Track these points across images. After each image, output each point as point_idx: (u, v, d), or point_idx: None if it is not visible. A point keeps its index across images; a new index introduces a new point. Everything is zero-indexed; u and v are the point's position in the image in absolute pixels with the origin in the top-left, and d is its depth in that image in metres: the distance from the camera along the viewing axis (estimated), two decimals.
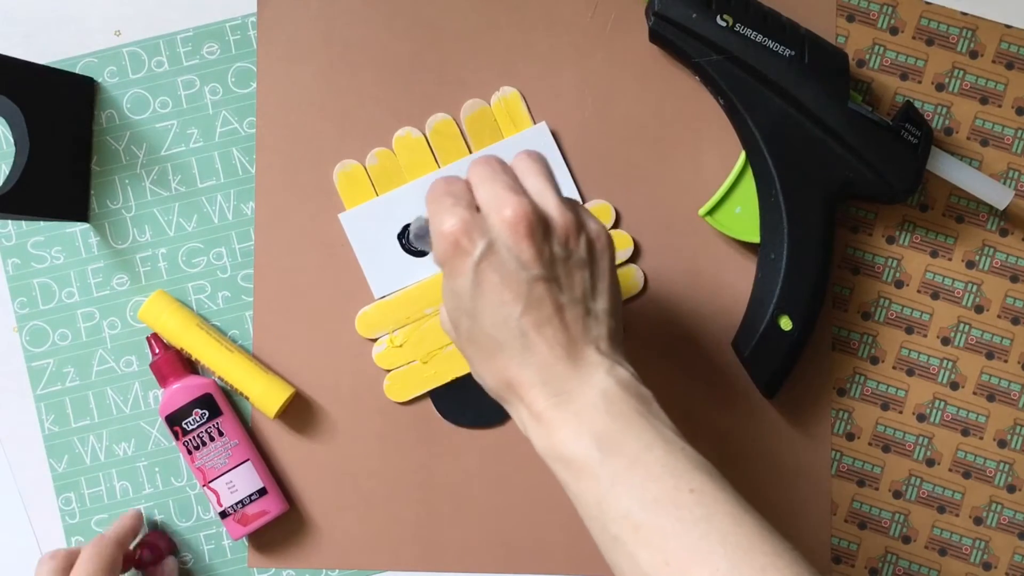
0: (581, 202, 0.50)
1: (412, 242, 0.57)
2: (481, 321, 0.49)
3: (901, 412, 0.65)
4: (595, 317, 0.50)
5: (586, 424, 0.47)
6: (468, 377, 0.65)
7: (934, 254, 0.65)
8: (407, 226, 0.65)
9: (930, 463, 0.65)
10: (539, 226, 0.48)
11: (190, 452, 0.64)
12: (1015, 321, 0.65)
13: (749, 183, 0.63)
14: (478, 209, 0.49)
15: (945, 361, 0.65)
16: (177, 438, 0.64)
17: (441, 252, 0.49)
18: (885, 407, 0.65)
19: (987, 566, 0.65)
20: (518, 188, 0.49)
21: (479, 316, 0.49)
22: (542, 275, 0.48)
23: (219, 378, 0.65)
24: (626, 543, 0.45)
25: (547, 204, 0.49)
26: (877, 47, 0.65)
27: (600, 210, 0.65)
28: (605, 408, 0.47)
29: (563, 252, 0.49)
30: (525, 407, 0.49)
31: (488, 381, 0.51)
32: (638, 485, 0.46)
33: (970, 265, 0.65)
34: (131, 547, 0.64)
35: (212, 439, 0.64)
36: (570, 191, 0.65)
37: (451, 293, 0.50)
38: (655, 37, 0.63)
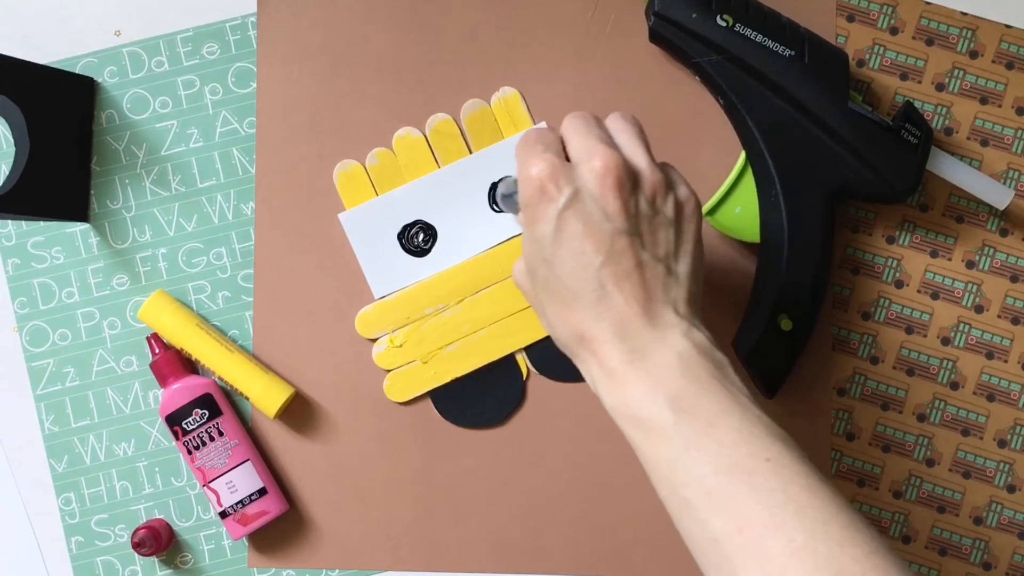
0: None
1: (498, 202, 0.56)
2: (559, 270, 0.48)
3: (901, 412, 0.65)
4: (675, 278, 0.49)
5: (660, 384, 0.46)
6: (468, 377, 0.65)
7: (934, 254, 0.65)
8: (407, 227, 0.66)
9: (930, 463, 0.65)
10: (627, 180, 0.48)
11: (190, 452, 0.64)
12: (1015, 321, 0.65)
13: (749, 183, 0.63)
14: (568, 160, 0.49)
15: (945, 361, 0.65)
16: (177, 438, 0.64)
17: (526, 196, 0.49)
18: (885, 407, 0.65)
19: (987, 566, 0.65)
20: (610, 142, 0.49)
21: (557, 264, 0.48)
22: (626, 228, 0.47)
23: (219, 378, 0.65)
24: (697, 508, 0.45)
25: (638, 160, 0.49)
26: (877, 47, 0.65)
27: None
28: (681, 370, 0.47)
29: (649, 209, 0.49)
30: (597, 362, 0.48)
31: (560, 332, 0.50)
32: (713, 450, 0.45)
33: (970, 265, 0.65)
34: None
35: (212, 439, 0.64)
36: None
37: (531, 239, 0.49)
38: (655, 37, 0.63)
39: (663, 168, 0.50)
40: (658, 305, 0.48)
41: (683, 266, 0.50)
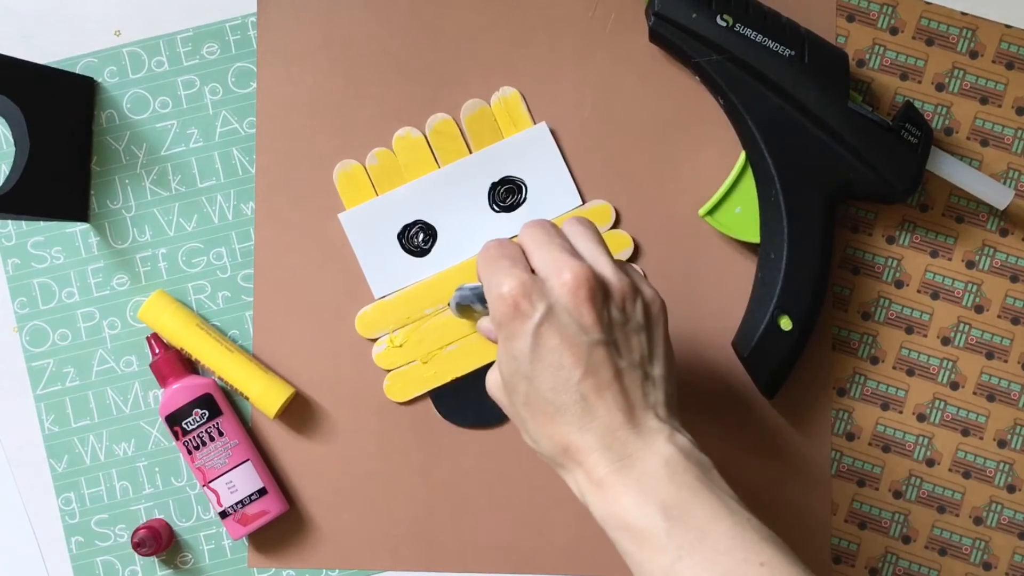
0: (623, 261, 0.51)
1: (453, 311, 0.58)
2: (539, 384, 0.48)
3: (901, 412, 0.65)
4: (653, 382, 0.50)
5: (650, 492, 0.47)
6: (468, 377, 0.65)
7: (934, 254, 0.65)
8: (407, 227, 0.66)
9: (930, 463, 0.65)
10: (599, 290, 0.48)
11: (190, 452, 0.64)
12: (1015, 321, 0.65)
13: (749, 183, 0.63)
14: (533, 272, 0.49)
15: (945, 361, 0.65)
16: (177, 438, 0.64)
17: (500, 315, 0.48)
18: (885, 407, 0.65)
19: (987, 566, 0.65)
20: (574, 252, 0.50)
21: (536, 380, 0.48)
22: (602, 339, 0.48)
23: (219, 378, 0.65)
24: None
25: (603, 268, 0.49)
26: (877, 47, 0.65)
27: (600, 210, 0.65)
28: (668, 476, 0.47)
29: (621, 316, 0.49)
30: (584, 473, 0.48)
31: (544, 446, 0.50)
32: (708, 558, 0.45)
33: (970, 265, 0.65)
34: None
35: (212, 439, 0.64)
36: (570, 191, 0.65)
37: (508, 356, 0.49)
38: (655, 37, 0.63)
39: (627, 271, 0.51)
40: (639, 411, 0.48)
41: (658, 369, 0.50)
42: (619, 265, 0.50)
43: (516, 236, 0.53)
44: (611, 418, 0.48)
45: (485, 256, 0.51)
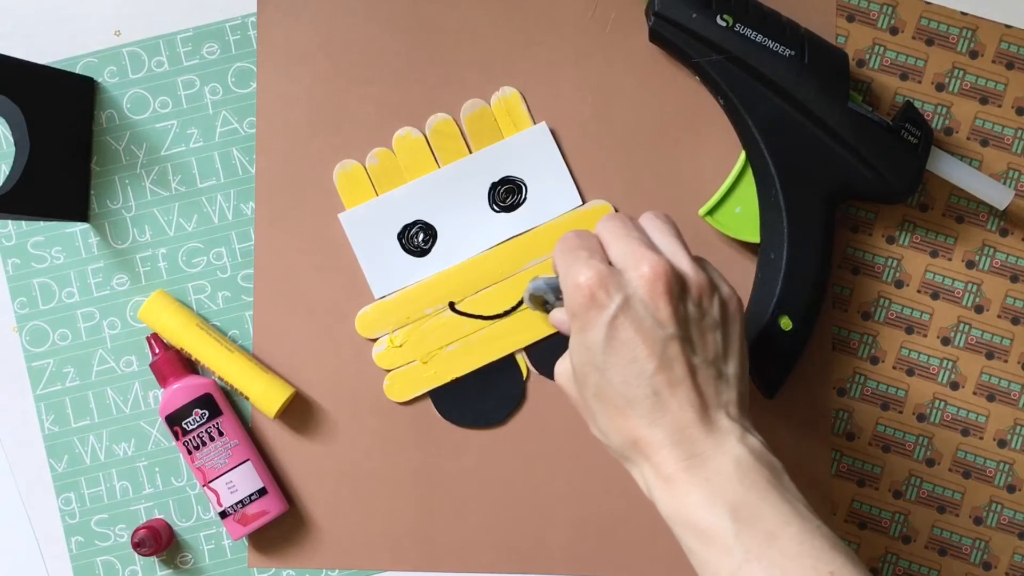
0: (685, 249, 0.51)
1: (526, 302, 0.57)
2: (611, 376, 0.48)
3: (901, 412, 0.65)
4: (726, 380, 0.49)
5: (719, 492, 0.46)
6: (468, 377, 0.65)
7: (934, 254, 0.65)
8: (407, 227, 0.66)
9: (930, 463, 0.65)
10: (676, 284, 0.48)
11: (190, 452, 0.64)
12: (1015, 321, 0.65)
13: (749, 183, 0.63)
14: (611, 264, 0.49)
15: (945, 361, 0.65)
16: (177, 438, 0.64)
17: (575, 304, 0.48)
18: (885, 407, 0.65)
19: (987, 566, 0.65)
20: (653, 246, 0.49)
21: (609, 372, 0.48)
22: (677, 334, 0.47)
23: (219, 378, 0.65)
24: None
25: (681, 263, 0.49)
26: (877, 47, 0.65)
27: (600, 210, 0.65)
28: (739, 477, 0.46)
29: (697, 312, 0.49)
30: (652, 468, 0.48)
31: (613, 439, 0.49)
32: (775, 563, 0.44)
33: (970, 265, 0.65)
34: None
35: (212, 439, 0.64)
36: (570, 191, 0.65)
37: (582, 346, 0.49)
38: (655, 37, 0.63)
39: (704, 267, 0.50)
40: (712, 409, 0.48)
41: (732, 367, 0.50)
42: (697, 261, 0.50)
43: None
44: (683, 414, 0.47)
45: (563, 246, 0.51)
